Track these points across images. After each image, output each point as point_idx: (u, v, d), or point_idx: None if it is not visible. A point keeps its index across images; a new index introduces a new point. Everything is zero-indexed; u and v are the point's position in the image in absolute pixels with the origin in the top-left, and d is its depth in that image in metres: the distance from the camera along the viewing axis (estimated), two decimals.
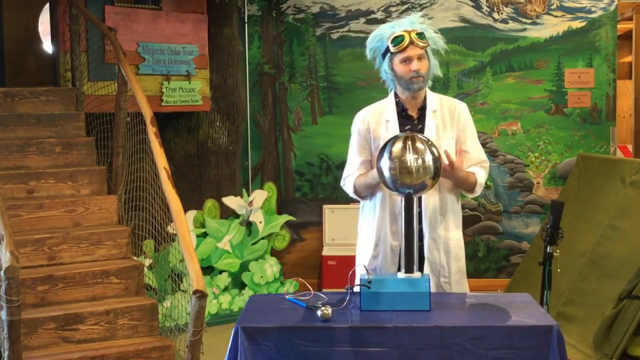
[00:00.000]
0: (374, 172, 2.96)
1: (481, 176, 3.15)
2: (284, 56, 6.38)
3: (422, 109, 3.12)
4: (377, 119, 3.12)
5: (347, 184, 3.16)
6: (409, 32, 3.01)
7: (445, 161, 2.91)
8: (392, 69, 3.06)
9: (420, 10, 6.23)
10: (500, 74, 6.27)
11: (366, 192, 3.12)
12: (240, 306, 5.54)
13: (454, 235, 3.16)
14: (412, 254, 2.77)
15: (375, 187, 3.07)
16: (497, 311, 2.65)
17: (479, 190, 3.18)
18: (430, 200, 3.07)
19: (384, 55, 3.09)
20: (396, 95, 3.14)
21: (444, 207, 3.14)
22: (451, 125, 3.10)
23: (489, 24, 6.26)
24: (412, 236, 2.77)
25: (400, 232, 2.92)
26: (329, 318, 2.56)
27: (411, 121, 3.11)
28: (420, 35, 3.03)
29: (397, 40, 3.02)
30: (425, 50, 3.05)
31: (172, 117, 5.74)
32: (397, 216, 3.03)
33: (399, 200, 2.97)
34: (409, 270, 2.76)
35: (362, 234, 3.22)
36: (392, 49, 3.03)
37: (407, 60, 3.02)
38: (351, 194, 3.17)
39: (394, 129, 3.07)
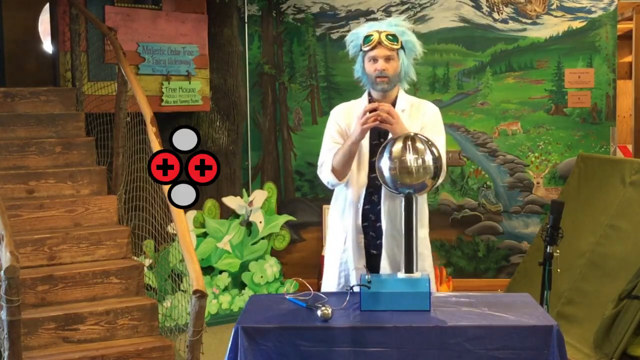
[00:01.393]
0: (346, 141, 3.03)
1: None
2: (284, 56, 6.38)
3: None
4: (351, 115, 3.18)
5: (324, 169, 3.15)
6: (379, 33, 3.06)
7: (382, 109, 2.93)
8: (364, 68, 3.13)
9: (420, 10, 6.24)
10: (500, 74, 6.27)
11: (343, 164, 3.08)
12: (240, 306, 5.54)
13: (420, 234, 3.11)
14: (412, 254, 2.77)
15: (352, 153, 3.05)
16: (497, 311, 2.65)
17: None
18: (388, 195, 3.07)
19: (359, 54, 3.16)
20: (369, 94, 3.20)
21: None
22: (417, 124, 3.12)
23: (489, 24, 6.26)
24: (411, 236, 2.77)
25: (360, 226, 3.08)
26: (329, 318, 2.56)
27: None
28: (392, 36, 3.06)
29: (367, 39, 3.08)
30: (397, 53, 3.08)
31: (172, 117, 5.74)
32: (359, 211, 3.10)
33: (362, 195, 3.08)
34: (408, 270, 2.76)
35: (330, 228, 3.28)
36: (363, 47, 3.10)
37: (374, 60, 3.07)
38: (329, 177, 3.14)
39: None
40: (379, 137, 3.11)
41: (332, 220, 3.27)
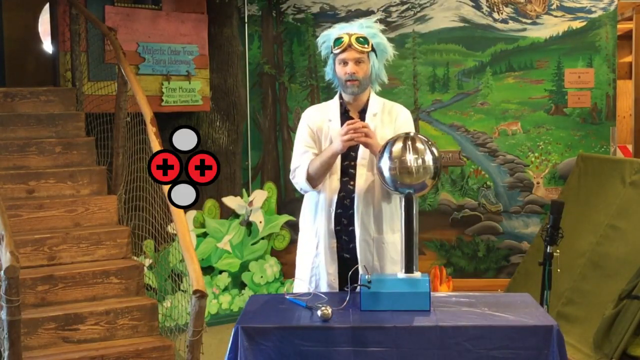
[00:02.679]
0: (327, 149, 3.03)
1: None
2: (284, 56, 6.38)
3: (363, 112, 3.16)
4: (322, 118, 3.19)
5: (298, 174, 3.15)
6: (350, 35, 3.06)
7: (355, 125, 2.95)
8: (334, 70, 3.13)
9: (420, 10, 6.24)
10: (500, 74, 6.27)
11: (321, 173, 3.09)
12: (240, 306, 5.54)
13: (389, 239, 3.12)
14: (411, 254, 2.77)
15: (330, 164, 3.06)
16: (497, 311, 2.65)
17: None
18: (361, 200, 3.08)
19: (330, 57, 3.16)
20: (341, 96, 3.20)
21: (378, 207, 3.11)
22: (390, 127, 3.12)
23: (489, 24, 6.26)
24: (411, 236, 2.77)
25: (332, 230, 3.07)
26: (329, 318, 2.56)
27: None
28: (362, 39, 3.06)
29: (337, 42, 3.08)
30: (368, 55, 3.07)
31: (172, 117, 5.74)
32: (332, 215, 3.09)
33: (334, 200, 3.08)
34: (408, 270, 2.76)
35: (302, 232, 3.26)
36: (333, 50, 3.10)
37: (344, 63, 3.07)
38: (302, 183, 3.13)
39: (335, 128, 3.12)
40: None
41: (304, 224, 3.25)
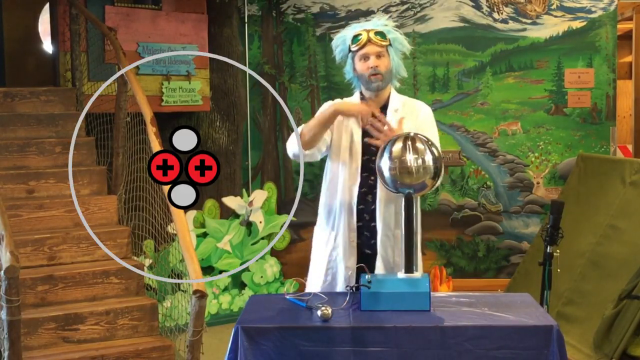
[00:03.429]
0: (329, 109, 3.00)
1: None
2: (284, 56, 6.38)
3: (384, 108, 3.15)
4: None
5: (292, 138, 3.10)
6: (367, 31, 3.06)
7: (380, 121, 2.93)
8: (354, 68, 3.12)
9: (420, 10, 6.24)
10: (500, 74, 6.27)
11: (314, 133, 3.04)
12: (240, 306, 5.55)
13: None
14: (411, 254, 2.77)
15: (326, 124, 3.03)
16: (497, 311, 2.65)
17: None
18: (384, 195, 3.07)
19: (348, 56, 3.14)
20: (361, 94, 3.19)
21: (399, 205, 3.09)
22: (411, 124, 3.10)
23: (489, 24, 6.26)
24: (411, 236, 2.77)
25: (354, 225, 3.06)
26: (329, 318, 2.56)
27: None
28: (380, 34, 3.07)
29: (356, 38, 3.08)
30: (387, 49, 3.08)
31: (172, 117, 5.74)
32: (353, 210, 3.08)
33: (355, 195, 3.06)
34: (408, 270, 2.76)
35: (319, 227, 3.25)
36: (352, 48, 3.09)
37: (365, 58, 3.07)
38: (294, 146, 3.08)
39: (355, 125, 3.11)
40: (371, 137, 3.10)
41: (321, 218, 3.24)
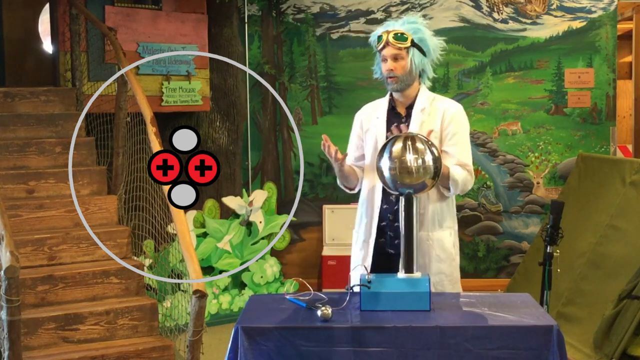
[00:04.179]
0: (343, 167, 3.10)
1: (458, 173, 3.02)
2: (284, 56, 6.38)
3: (411, 107, 3.15)
4: (370, 115, 3.22)
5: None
6: (388, 32, 3.07)
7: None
8: (380, 68, 3.15)
9: (420, 10, 6.24)
10: (500, 74, 6.27)
11: (344, 180, 3.22)
12: (240, 306, 5.54)
13: (436, 236, 3.10)
14: (412, 254, 2.76)
15: (344, 174, 3.16)
16: (497, 311, 2.65)
17: (455, 189, 3.05)
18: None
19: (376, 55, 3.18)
20: (391, 93, 3.20)
21: (424, 204, 3.09)
22: (438, 124, 3.11)
23: (489, 24, 6.26)
24: (412, 236, 2.77)
25: (376, 228, 3.08)
26: (329, 318, 2.56)
27: (399, 118, 3.15)
28: (399, 36, 3.05)
29: (378, 39, 3.11)
30: (407, 51, 3.06)
31: (172, 117, 5.74)
32: (376, 212, 3.10)
33: (378, 197, 3.09)
34: (408, 270, 2.76)
35: (355, 232, 3.28)
36: (376, 48, 3.13)
37: (384, 60, 3.09)
38: (340, 185, 3.28)
39: (381, 125, 3.14)
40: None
41: (357, 218, 3.27)
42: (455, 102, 3.24)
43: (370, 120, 3.19)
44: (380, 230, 3.11)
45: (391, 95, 3.19)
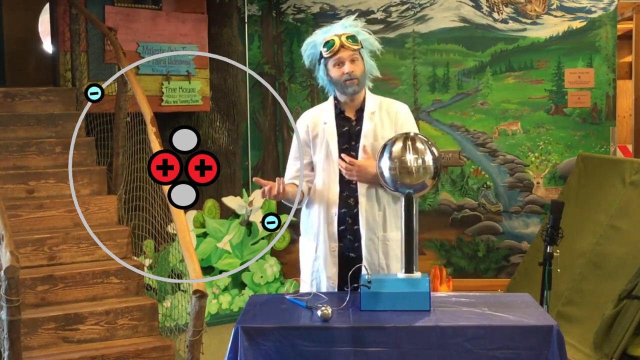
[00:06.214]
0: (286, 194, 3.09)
1: None
2: (284, 56, 6.38)
3: (360, 111, 3.15)
4: (316, 122, 3.18)
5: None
6: (339, 36, 3.06)
7: (342, 165, 3.02)
8: (328, 74, 3.11)
9: (420, 10, 6.24)
10: (500, 74, 6.27)
11: (284, 202, 3.19)
12: (240, 306, 5.54)
13: (394, 236, 3.09)
14: (411, 254, 2.77)
15: (287, 198, 3.14)
16: (497, 311, 2.65)
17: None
18: (365, 200, 3.07)
19: (319, 62, 3.13)
20: (335, 98, 3.18)
21: (382, 205, 3.10)
22: (390, 126, 3.11)
23: (489, 24, 6.26)
24: (411, 236, 2.77)
25: (334, 233, 3.06)
26: (329, 318, 2.56)
27: (349, 122, 3.14)
28: (352, 38, 3.06)
29: (329, 44, 3.06)
30: (359, 53, 3.08)
31: (172, 117, 5.74)
32: (333, 218, 3.08)
33: (336, 200, 3.07)
34: (408, 270, 2.76)
35: (303, 236, 3.26)
36: (324, 54, 3.08)
37: (339, 64, 3.06)
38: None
39: (331, 130, 3.12)
40: (350, 140, 3.11)
41: (304, 226, 3.24)
42: (401, 103, 3.23)
43: (317, 126, 3.15)
44: (339, 234, 3.09)
45: (336, 99, 3.17)
